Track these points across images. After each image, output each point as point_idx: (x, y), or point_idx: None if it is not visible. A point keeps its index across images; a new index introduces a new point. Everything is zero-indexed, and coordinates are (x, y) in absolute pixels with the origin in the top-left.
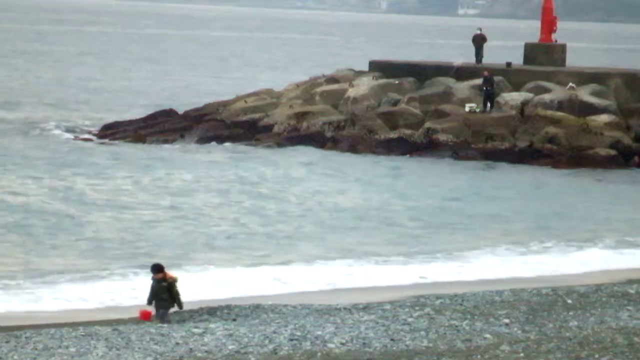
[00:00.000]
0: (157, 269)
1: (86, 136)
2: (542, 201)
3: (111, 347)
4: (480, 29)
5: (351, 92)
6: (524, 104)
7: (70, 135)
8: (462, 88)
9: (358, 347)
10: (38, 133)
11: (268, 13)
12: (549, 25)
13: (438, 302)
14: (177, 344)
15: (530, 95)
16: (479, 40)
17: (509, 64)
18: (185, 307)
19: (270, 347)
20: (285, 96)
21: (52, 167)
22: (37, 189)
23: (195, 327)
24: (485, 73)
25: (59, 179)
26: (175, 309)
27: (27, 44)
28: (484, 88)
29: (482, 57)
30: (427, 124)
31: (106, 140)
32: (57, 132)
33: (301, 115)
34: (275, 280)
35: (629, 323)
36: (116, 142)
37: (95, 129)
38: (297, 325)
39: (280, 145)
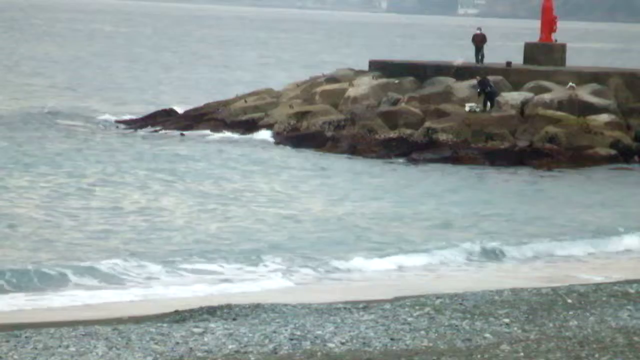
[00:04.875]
0: None
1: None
2: (537, 203)
3: (111, 347)
4: (480, 29)
5: (351, 92)
6: (524, 103)
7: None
8: (462, 88)
9: (358, 347)
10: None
11: (268, 13)
12: (549, 25)
13: (438, 301)
14: (177, 343)
15: (530, 94)
16: (478, 41)
17: (509, 64)
18: (185, 307)
19: (270, 346)
20: (285, 96)
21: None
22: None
23: (195, 327)
24: (479, 78)
25: (66, 174)
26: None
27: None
28: (484, 90)
29: (483, 57)
30: (427, 124)
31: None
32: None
33: (301, 115)
34: (275, 279)
35: (628, 323)
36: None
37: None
38: (297, 325)
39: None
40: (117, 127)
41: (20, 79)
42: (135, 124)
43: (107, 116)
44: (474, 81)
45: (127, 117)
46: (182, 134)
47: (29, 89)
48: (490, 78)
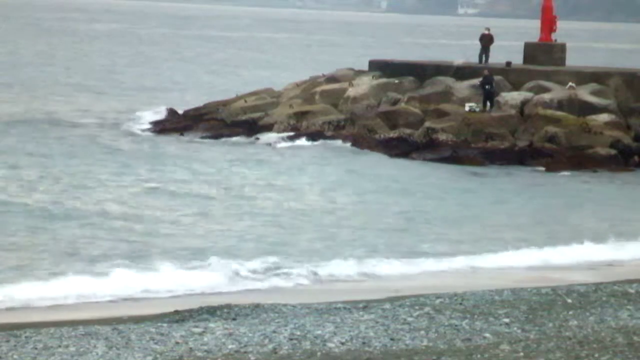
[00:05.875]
0: None
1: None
2: (537, 205)
3: (111, 347)
4: (489, 29)
5: (351, 92)
6: (524, 103)
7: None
8: (462, 87)
9: (358, 347)
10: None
11: (268, 13)
12: (548, 24)
13: (438, 301)
14: (177, 343)
15: (530, 94)
16: (486, 41)
17: (508, 64)
18: (185, 307)
19: (270, 346)
20: (285, 95)
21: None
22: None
23: (195, 327)
24: (486, 72)
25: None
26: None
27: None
28: (485, 86)
29: (488, 57)
30: (427, 124)
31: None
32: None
33: (301, 115)
34: (275, 279)
35: (628, 322)
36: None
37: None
38: (296, 325)
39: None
40: (121, 127)
41: (24, 81)
42: (137, 125)
43: (113, 117)
44: (476, 80)
45: (129, 117)
46: (181, 134)
47: (34, 91)
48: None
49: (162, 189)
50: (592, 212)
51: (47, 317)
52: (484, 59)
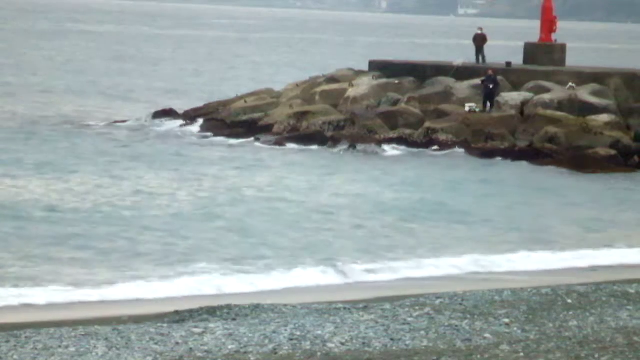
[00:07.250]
0: None
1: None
2: (538, 202)
3: (111, 347)
4: (481, 29)
5: (351, 92)
6: (524, 103)
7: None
8: (462, 88)
9: (358, 347)
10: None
11: (268, 13)
12: (548, 25)
13: (438, 301)
14: (177, 343)
15: (530, 95)
16: (479, 41)
17: (508, 64)
18: (185, 307)
19: (270, 346)
20: (285, 96)
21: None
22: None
23: (195, 327)
24: (490, 72)
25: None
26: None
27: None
28: (489, 86)
29: (484, 57)
30: (427, 124)
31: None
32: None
33: (301, 115)
34: (275, 279)
35: (628, 323)
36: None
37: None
38: (296, 325)
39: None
40: (121, 128)
41: (25, 84)
42: (138, 125)
43: (111, 119)
44: (475, 81)
45: (125, 118)
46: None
47: (41, 93)
48: None
49: (160, 189)
50: (592, 212)
51: (47, 317)
52: (480, 59)
